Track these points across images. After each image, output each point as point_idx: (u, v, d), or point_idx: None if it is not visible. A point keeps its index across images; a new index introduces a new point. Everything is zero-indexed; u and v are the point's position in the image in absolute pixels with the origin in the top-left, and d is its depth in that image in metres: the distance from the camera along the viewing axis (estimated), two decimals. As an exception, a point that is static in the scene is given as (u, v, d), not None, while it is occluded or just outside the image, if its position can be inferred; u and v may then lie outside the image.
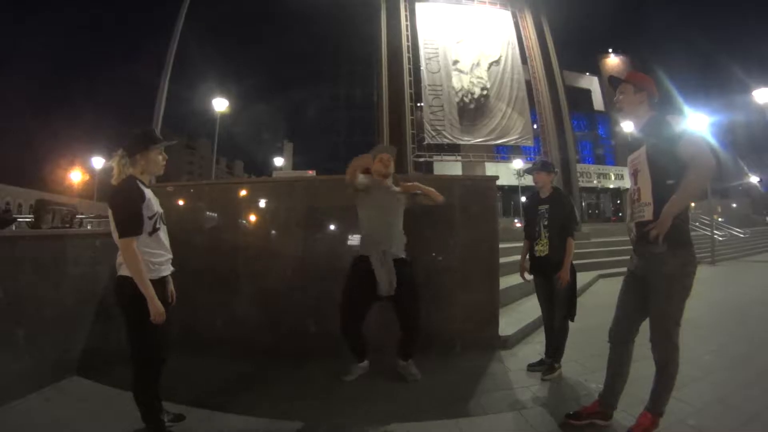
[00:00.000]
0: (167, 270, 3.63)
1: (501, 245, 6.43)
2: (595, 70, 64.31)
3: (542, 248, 5.19)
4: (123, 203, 3.35)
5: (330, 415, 4.11)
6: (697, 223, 24.64)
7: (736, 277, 14.59)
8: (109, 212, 3.39)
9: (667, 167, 3.30)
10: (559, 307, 5.13)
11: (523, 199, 41.71)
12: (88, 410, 3.99)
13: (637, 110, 3.70)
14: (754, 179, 62.11)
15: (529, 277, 5.50)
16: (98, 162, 48.35)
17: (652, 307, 3.49)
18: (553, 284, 5.08)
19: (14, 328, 4.20)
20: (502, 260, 6.40)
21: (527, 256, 5.46)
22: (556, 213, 5.15)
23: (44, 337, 4.53)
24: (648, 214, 3.43)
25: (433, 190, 5.00)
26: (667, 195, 3.23)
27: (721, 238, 22.89)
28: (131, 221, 3.31)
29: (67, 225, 7.31)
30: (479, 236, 6.16)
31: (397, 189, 5.13)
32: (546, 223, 5.18)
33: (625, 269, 3.84)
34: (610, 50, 70.16)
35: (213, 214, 6.31)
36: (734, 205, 59.37)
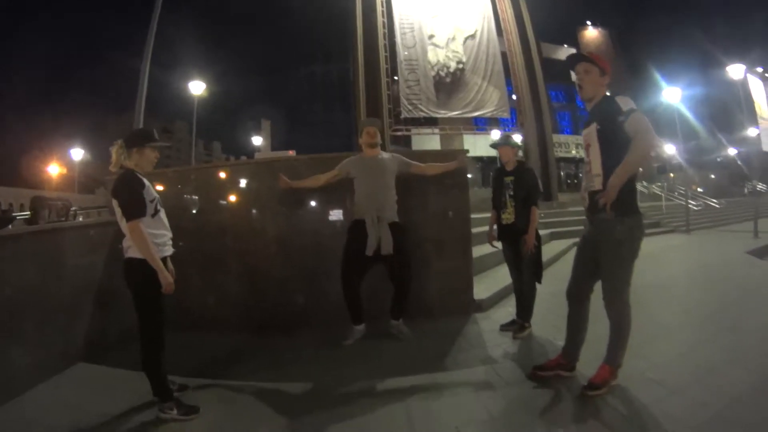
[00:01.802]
0: (169, 250, 4.02)
1: (480, 215, 6.75)
2: (574, 42, 64.48)
3: (508, 216, 5.56)
4: (126, 190, 3.73)
5: (320, 376, 4.47)
6: (676, 194, 24.99)
7: (708, 245, 15.00)
8: (114, 202, 3.78)
9: (615, 142, 3.62)
10: (525, 271, 5.53)
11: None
12: (98, 392, 4.23)
13: (598, 92, 3.99)
14: (732, 151, 62.87)
15: (497, 244, 5.88)
16: (77, 154, 47.79)
17: (603, 269, 3.88)
18: (519, 249, 5.44)
19: (23, 323, 4.36)
20: (481, 229, 6.70)
21: (494, 225, 5.84)
22: (520, 184, 5.50)
23: (49, 328, 4.69)
24: (598, 184, 3.78)
25: (447, 165, 5.89)
26: (615, 167, 3.55)
27: (696, 208, 23.27)
28: (136, 205, 3.70)
29: (63, 218, 7.52)
30: (452, 207, 6.49)
31: (386, 156, 5.60)
32: (511, 193, 5.54)
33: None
34: (589, 23, 70.32)
35: (199, 198, 6.54)
36: (713, 177, 60.00)
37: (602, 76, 3.98)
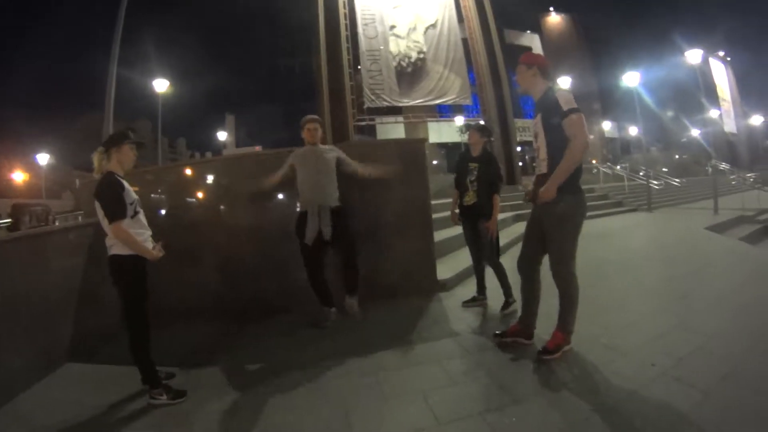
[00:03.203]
0: (149, 244, 4.21)
1: (446, 200, 6.98)
2: (537, 28, 64.86)
3: (469, 199, 5.87)
4: (108, 193, 3.97)
5: (296, 356, 4.80)
6: (641, 174, 25.39)
7: (669, 222, 15.44)
8: (96, 204, 4.00)
9: (556, 133, 4.06)
10: (488, 252, 5.84)
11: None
12: (89, 388, 4.35)
13: (532, 83, 4.39)
14: (695, 132, 63.97)
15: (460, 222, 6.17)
16: (43, 159, 46.95)
17: (549, 244, 4.28)
18: (479, 230, 5.78)
19: (12, 328, 4.42)
20: (444, 214, 6.93)
21: (457, 204, 6.10)
22: (483, 171, 5.77)
23: (38, 331, 4.75)
24: (543, 168, 4.23)
25: (376, 171, 5.95)
26: (557, 153, 4.03)
27: (657, 187, 23.66)
28: (117, 207, 3.94)
29: (43, 223, 7.58)
30: (413, 192, 6.79)
31: (326, 147, 5.87)
32: (473, 179, 5.81)
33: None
34: (552, 9, 70.73)
35: (172, 195, 6.72)
36: (676, 157, 60.98)
37: (529, 69, 4.37)
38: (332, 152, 5.84)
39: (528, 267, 4.53)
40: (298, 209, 5.88)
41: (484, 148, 5.92)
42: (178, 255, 6.15)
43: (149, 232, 4.26)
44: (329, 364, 4.48)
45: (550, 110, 4.10)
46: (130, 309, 4.04)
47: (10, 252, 4.71)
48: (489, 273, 5.93)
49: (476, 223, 5.82)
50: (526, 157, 49.81)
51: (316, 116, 5.92)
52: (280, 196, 6.56)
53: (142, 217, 4.19)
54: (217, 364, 4.75)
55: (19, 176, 54.31)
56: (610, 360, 4.07)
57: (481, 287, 6.10)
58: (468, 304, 6.02)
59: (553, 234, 4.22)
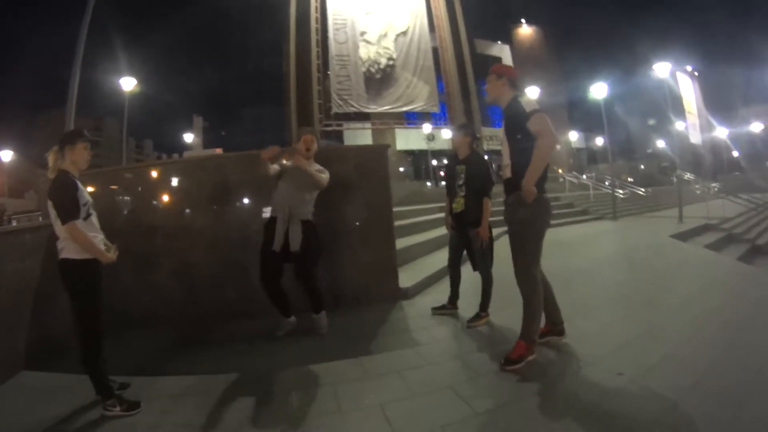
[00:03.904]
0: (102, 247, 4.07)
1: (413, 207, 6.96)
2: (508, 39, 65.44)
3: (458, 206, 5.65)
4: (61, 193, 3.85)
5: (253, 366, 4.68)
6: (607, 183, 25.73)
7: (634, 230, 15.72)
8: (49, 203, 3.88)
9: (520, 138, 4.16)
10: (480, 260, 5.61)
11: (434, 162, 42.56)
12: (43, 397, 4.21)
13: (501, 92, 4.48)
14: (660, 143, 65.08)
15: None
16: (6, 155, 46.22)
17: (512, 247, 4.33)
18: (469, 238, 5.60)
19: None
20: (409, 221, 6.90)
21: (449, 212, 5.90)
22: (471, 174, 5.56)
23: None
24: (507, 172, 4.35)
25: (313, 173, 5.31)
26: (521, 159, 4.12)
27: (622, 196, 24.01)
28: (71, 207, 3.82)
29: None
30: (375, 200, 6.75)
31: (317, 167, 5.52)
32: (461, 183, 5.61)
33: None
34: (523, 20, 71.32)
35: (131, 197, 6.58)
36: (642, 167, 61.97)
37: (499, 79, 4.47)
38: (326, 174, 5.53)
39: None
40: (266, 215, 5.78)
41: (470, 148, 5.72)
42: (136, 259, 6.01)
43: (101, 236, 4.13)
44: (287, 374, 4.41)
45: (515, 116, 4.21)
46: (81, 316, 3.89)
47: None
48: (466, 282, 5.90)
49: (464, 231, 5.64)
50: (493, 165, 50.11)
51: (313, 128, 5.77)
52: (240, 200, 6.49)
53: (94, 219, 4.06)
54: (172, 372, 4.62)
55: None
56: (576, 369, 4.08)
57: (455, 295, 5.96)
58: (438, 311, 5.91)
59: (514, 238, 4.29)
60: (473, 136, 5.78)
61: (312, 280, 5.46)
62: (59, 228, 3.82)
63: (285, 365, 4.60)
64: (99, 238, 4.06)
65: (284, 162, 5.51)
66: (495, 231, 5.68)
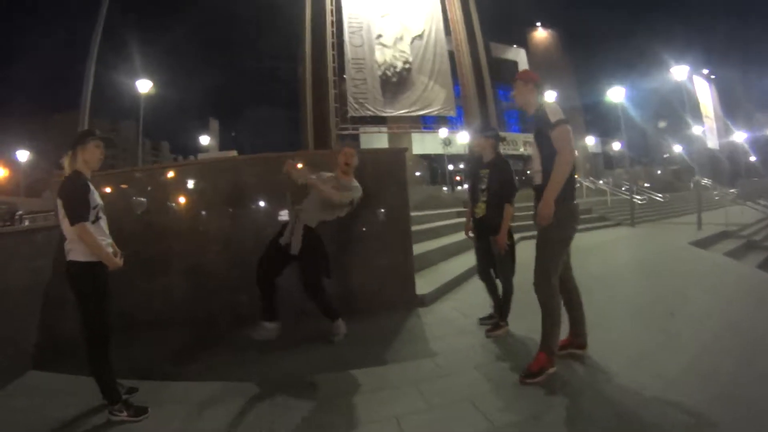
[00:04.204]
0: (110, 251, 3.99)
1: (428, 212, 6.85)
2: (523, 42, 65.28)
3: (479, 211, 5.47)
4: (72, 193, 3.78)
5: (265, 373, 4.60)
6: (623, 189, 25.55)
7: (652, 237, 15.49)
8: (59, 203, 3.81)
9: (547, 146, 4.11)
10: (500, 268, 5.46)
11: (450, 167, 42.50)
12: (50, 399, 4.18)
13: (528, 98, 4.46)
14: (677, 148, 64.73)
15: (473, 235, 5.79)
16: (23, 155, 46.51)
17: (536, 253, 4.26)
18: (490, 244, 5.40)
19: None
20: (426, 226, 6.79)
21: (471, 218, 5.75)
22: (494, 178, 5.35)
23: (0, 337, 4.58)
24: (538, 179, 4.26)
25: (328, 192, 5.19)
26: (548, 166, 4.06)
27: (640, 202, 23.77)
28: (81, 208, 3.75)
29: (8, 223, 7.36)
30: (392, 204, 6.64)
31: (354, 183, 5.46)
32: (483, 187, 5.42)
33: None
34: (538, 24, 71.14)
35: (143, 199, 6.45)
36: (659, 172, 61.69)
37: (526, 85, 4.47)
38: (352, 187, 5.45)
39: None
40: (281, 218, 5.77)
41: (495, 152, 5.53)
42: (146, 262, 5.96)
43: (109, 240, 4.05)
44: (300, 382, 4.31)
45: (541, 124, 4.18)
46: (89, 319, 3.81)
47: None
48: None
49: (486, 237, 5.45)
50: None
51: (355, 143, 5.68)
52: (255, 202, 6.41)
53: (103, 223, 3.98)
54: (181, 378, 4.56)
55: (-1, 172, 53.62)
56: (597, 383, 3.94)
57: (497, 303, 5.67)
58: (485, 321, 5.67)
59: (538, 242, 4.23)
60: (497, 138, 5.61)
61: (316, 293, 5.33)
62: (67, 228, 3.76)
63: (297, 373, 4.51)
64: (107, 242, 3.98)
65: (312, 177, 5.32)
66: (517, 236, 5.56)
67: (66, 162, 3.91)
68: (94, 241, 3.74)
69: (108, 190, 6.24)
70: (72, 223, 3.70)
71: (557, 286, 4.18)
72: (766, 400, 3.48)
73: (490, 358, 4.67)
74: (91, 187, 3.88)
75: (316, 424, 3.55)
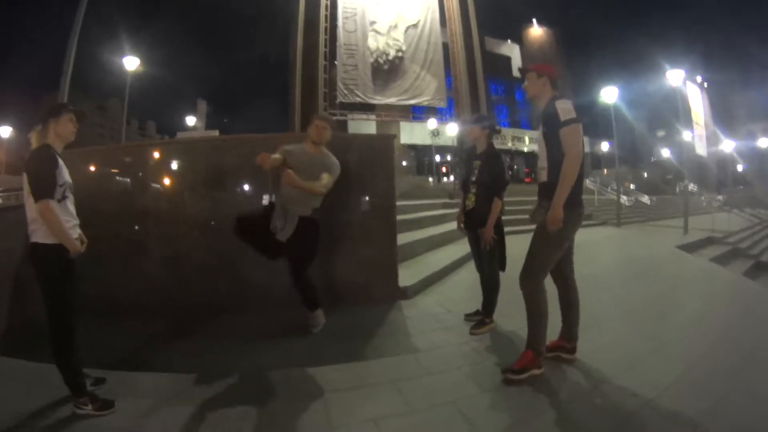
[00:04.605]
0: (75, 234, 3.76)
1: (414, 201, 6.67)
2: (518, 38, 65.53)
3: (470, 202, 5.36)
4: (38, 167, 3.52)
5: (239, 365, 4.38)
6: (609, 189, 25.80)
7: (639, 238, 15.73)
8: (24, 177, 3.55)
9: (555, 143, 4.01)
10: (484, 262, 5.36)
11: (438, 158, 42.53)
12: (16, 387, 3.98)
13: (540, 92, 4.33)
14: (665, 153, 65.36)
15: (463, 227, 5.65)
16: (5, 132, 45.99)
17: (529, 248, 4.20)
18: (479, 238, 5.26)
19: None
20: (411, 216, 6.60)
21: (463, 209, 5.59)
22: (485, 170, 5.24)
23: None
24: (543, 176, 4.18)
25: (308, 186, 4.94)
26: (556, 163, 3.97)
27: (627, 203, 23.99)
28: (46, 184, 3.49)
29: None
30: (378, 193, 6.46)
31: (326, 159, 5.23)
32: (474, 179, 5.32)
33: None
34: (534, 20, 71.35)
35: (114, 178, 6.33)
36: (645, 175, 62.28)
37: (539, 78, 4.32)
38: (330, 164, 5.22)
39: (557, 275, 4.41)
40: (265, 202, 5.55)
41: (488, 143, 5.40)
42: (119, 245, 5.73)
43: (76, 222, 3.81)
44: (272, 377, 4.11)
45: (550, 120, 4.06)
46: (53, 305, 3.58)
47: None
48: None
49: (475, 229, 5.34)
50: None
51: (328, 115, 5.48)
52: (235, 184, 6.21)
53: (70, 204, 3.73)
54: (152, 368, 4.34)
55: (-22, 148, 52.92)
56: (586, 389, 3.81)
57: None
58: (470, 317, 5.52)
59: (534, 238, 4.16)
60: (492, 129, 5.45)
61: (300, 281, 5.14)
62: (31, 206, 3.50)
63: (272, 366, 4.29)
64: (73, 224, 3.74)
65: (287, 148, 5.15)
66: (507, 230, 5.38)
67: (33, 136, 3.67)
68: (56, 221, 3.48)
69: (80, 168, 5.94)
70: (36, 200, 3.44)
71: (542, 284, 4.10)
72: (757, 408, 3.43)
73: (475, 358, 4.49)
74: (61, 162, 3.62)
75: (288, 426, 3.35)
